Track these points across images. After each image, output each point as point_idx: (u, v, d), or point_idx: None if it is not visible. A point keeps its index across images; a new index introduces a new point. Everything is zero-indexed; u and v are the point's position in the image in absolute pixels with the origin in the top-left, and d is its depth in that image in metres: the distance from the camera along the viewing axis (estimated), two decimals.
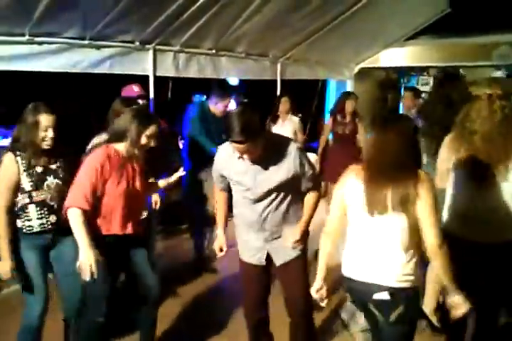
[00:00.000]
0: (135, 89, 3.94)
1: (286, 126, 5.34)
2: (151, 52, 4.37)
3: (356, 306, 2.36)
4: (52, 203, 2.72)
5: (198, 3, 3.91)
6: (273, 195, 2.60)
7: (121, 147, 2.71)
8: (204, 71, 4.97)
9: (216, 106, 4.47)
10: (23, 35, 3.42)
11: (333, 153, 5.57)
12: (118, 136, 2.70)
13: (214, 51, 4.95)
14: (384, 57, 7.30)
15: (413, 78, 9.08)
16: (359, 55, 7.13)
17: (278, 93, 6.08)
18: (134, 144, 2.68)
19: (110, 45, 4.01)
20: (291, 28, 5.19)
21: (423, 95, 9.15)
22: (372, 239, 2.14)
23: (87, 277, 2.47)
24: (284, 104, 5.36)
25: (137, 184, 2.79)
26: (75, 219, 2.54)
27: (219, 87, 4.76)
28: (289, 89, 6.10)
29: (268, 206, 2.62)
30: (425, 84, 9.10)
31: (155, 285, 2.91)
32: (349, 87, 7.59)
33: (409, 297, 2.11)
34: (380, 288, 2.10)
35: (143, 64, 4.37)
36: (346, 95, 5.57)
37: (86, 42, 3.81)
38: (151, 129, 2.70)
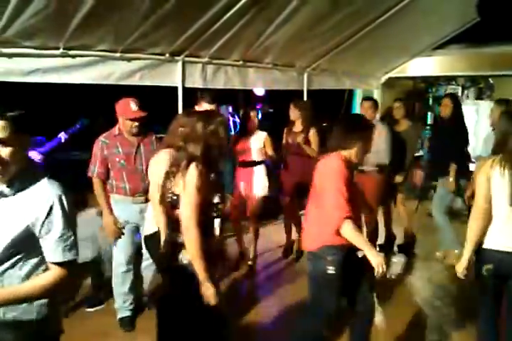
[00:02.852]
0: (133, 107, 3.46)
1: (253, 142, 4.95)
2: (180, 63, 4.43)
3: (498, 274, 2.73)
4: None
5: (226, 17, 3.96)
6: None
7: (347, 153, 2.80)
8: (231, 82, 5.02)
9: None
10: (57, 48, 3.52)
11: (285, 165, 5.31)
12: (350, 145, 2.81)
13: (241, 62, 5.00)
14: (412, 67, 7.27)
15: (441, 87, 9.01)
16: (386, 65, 7.11)
17: None
18: (363, 152, 2.84)
19: (141, 57, 4.09)
20: (317, 39, 5.21)
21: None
22: None
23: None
24: (253, 120, 5.02)
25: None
26: (355, 230, 2.61)
27: (209, 92, 4.39)
28: (315, 98, 6.13)
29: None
30: None
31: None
32: (376, 96, 7.56)
33: None
34: None
35: (172, 75, 4.44)
36: (293, 103, 5.20)
37: (117, 54, 3.89)
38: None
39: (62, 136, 4.90)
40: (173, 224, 2.51)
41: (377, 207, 5.24)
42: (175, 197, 2.47)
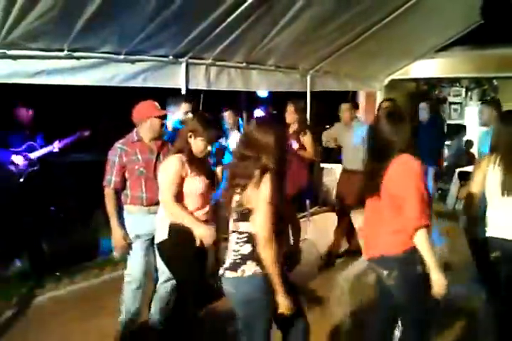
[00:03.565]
0: (158, 106, 3.43)
1: (230, 143, 4.76)
2: (183, 65, 4.44)
3: (503, 261, 2.95)
4: None
5: (230, 19, 3.98)
6: None
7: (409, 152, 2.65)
8: (235, 84, 5.04)
9: (175, 118, 3.95)
10: (62, 50, 3.53)
11: None
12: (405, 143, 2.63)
13: (245, 64, 5.01)
14: (415, 69, 7.27)
15: (445, 89, 9.01)
16: (389, 67, 7.12)
17: (308, 105, 6.10)
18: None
19: (144, 59, 4.11)
20: (321, 41, 5.22)
21: (455, 106, 9.13)
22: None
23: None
24: (229, 117, 5.05)
25: None
26: (429, 242, 2.47)
27: (173, 96, 4.24)
28: (319, 99, 6.14)
29: None
30: (457, 96, 9.01)
31: None
32: (379, 97, 7.57)
33: None
34: None
35: (176, 77, 4.44)
36: (289, 106, 5.01)
37: (121, 56, 3.90)
38: None
39: (56, 145, 4.83)
40: (239, 236, 2.42)
41: None
42: (242, 210, 2.38)
